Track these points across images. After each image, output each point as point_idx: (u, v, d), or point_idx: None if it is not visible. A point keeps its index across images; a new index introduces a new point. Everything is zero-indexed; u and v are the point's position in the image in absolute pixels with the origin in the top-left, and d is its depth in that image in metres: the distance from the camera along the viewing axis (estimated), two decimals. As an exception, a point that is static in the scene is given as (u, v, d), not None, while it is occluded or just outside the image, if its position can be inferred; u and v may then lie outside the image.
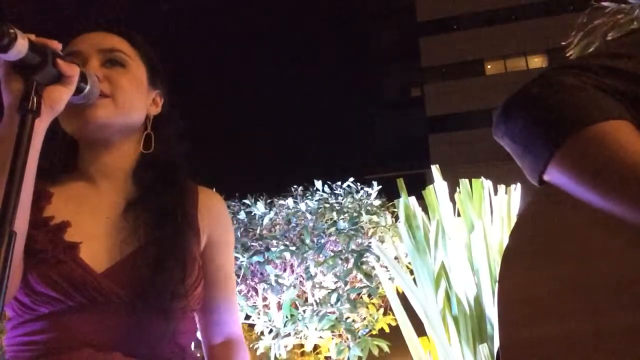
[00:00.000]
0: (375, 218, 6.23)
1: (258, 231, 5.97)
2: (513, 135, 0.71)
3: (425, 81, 31.46)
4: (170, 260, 0.93)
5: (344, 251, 5.69)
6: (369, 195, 6.67)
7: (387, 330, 5.63)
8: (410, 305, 3.37)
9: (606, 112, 0.65)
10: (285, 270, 5.84)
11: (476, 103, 28.26)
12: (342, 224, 5.93)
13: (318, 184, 6.52)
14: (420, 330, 3.35)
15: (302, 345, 5.84)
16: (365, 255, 5.58)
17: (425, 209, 3.59)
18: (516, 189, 3.54)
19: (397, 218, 4.80)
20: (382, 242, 5.78)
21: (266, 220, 6.03)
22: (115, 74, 0.97)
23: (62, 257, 0.88)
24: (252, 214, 6.18)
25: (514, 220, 3.41)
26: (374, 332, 5.67)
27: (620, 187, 0.61)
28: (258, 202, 6.25)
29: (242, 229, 6.01)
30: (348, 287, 5.68)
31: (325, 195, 6.50)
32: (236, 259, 5.37)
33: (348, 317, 5.51)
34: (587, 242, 0.66)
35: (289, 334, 5.47)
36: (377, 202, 6.58)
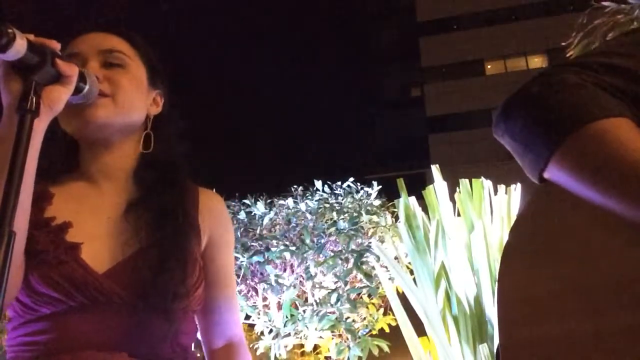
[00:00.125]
0: (375, 218, 6.24)
1: (258, 231, 5.98)
2: (513, 134, 0.71)
3: (425, 81, 31.47)
4: (171, 261, 0.93)
5: (344, 251, 5.69)
6: (369, 195, 6.67)
7: (387, 330, 5.64)
8: (410, 305, 3.37)
9: (606, 109, 0.65)
10: (285, 270, 5.84)
11: (476, 103, 28.26)
12: (342, 224, 5.93)
13: (318, 184, 6.53)
14: (420, 330, 3.35)
15: (302, 345, 5.84)
16: (365, 255, 5.58)
17: (425, 209, 3.59)
18: (516, 189, 3.54)
19: (397, 218, 4.81)
20: (382, 242, 5.79)
21: (266, 220, 6.04)
22: (115, 74, 0.97)
23: (64, 258, 0.88)
24: (252, 214, 6.19)
25: (514, 220, 3.40)
26: (374, 332, 5.67)
27: (621, 184, 0.61)
28: (258, 202, 6.25)
29: (242, 229, 6.01)
30: (348, 287, 5.68)
31: (325, 195, 6.50)
32: (236, 259, 5.37)
33: (348, 317, 5.51)
34: (587, 241, 0.66)
35: (289, 334, 5.48)
36: (377, 202, 6.58)
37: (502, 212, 3.43)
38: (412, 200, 3.61)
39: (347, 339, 5.43)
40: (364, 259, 5.56)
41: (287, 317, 5.43)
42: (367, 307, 5.73)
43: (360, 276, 5.61)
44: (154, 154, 1.02)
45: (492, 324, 3.12)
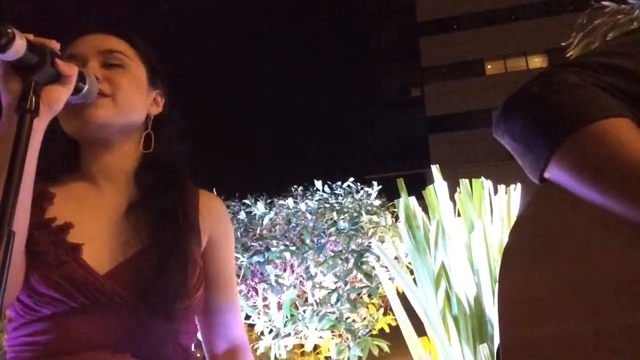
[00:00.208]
0: (375, 218, 6.23)
1: (258, 231, 5.97)
2: (514, 134, 0.71)
3: (425, 81, 31.47)
4: (172, 261, 0.93)
5: (344, 251, 5.69)
6: (369, 195, 6.67)
7: (387, 330, 5.63)
8: (410, 305, 3.37)
9: (606, 110, 0.65)
10: (285, 270, 5.84)
11: (476, 103, 28.26)
12: (342, 224, 5.93)
13: (318, 184, 6.52)
14: (420, 330, 3.35)
15: (302, 345, 5.84)
16: (365, 255, 5.58)
17: (425, 209, 3.59)
18: (516, 189, 3.54)
19: (397, 218, 4.81)
20: (382, 242, 5.78)
21: (266, 220, 6.03)
22: (115, 75, 0.97)
23: (64, 258, 0.88)
24: (252, 214, 6.18)
25: (514, 220, 3.40)
26: (374, 332, 5.67)
27: (621, 184, 0.61)
28: (258, 202, 6.25)
29: (242, 229, 6.01)
30: (348, 287, 5.68)
31: (325, 195, 6.49)
32: (236, 259, 5.37)
33: (348, 317, 5.51)
34: (587, 241, 0.66)
35: (289, 334, 5.47)
36: (377, 202, 6.58)
37: (502, 212, 3.43)
38: (412, 200, 3.60)
39: (347, 339, 5.42)
40: (364, 259, 5.56)
41: (287, 317, 5.43)
42: (367, 307, 5.72)
43: (360, 276, 5.60)
44: (154, 154, 1.02)
45: (492, 324, 3.12)
